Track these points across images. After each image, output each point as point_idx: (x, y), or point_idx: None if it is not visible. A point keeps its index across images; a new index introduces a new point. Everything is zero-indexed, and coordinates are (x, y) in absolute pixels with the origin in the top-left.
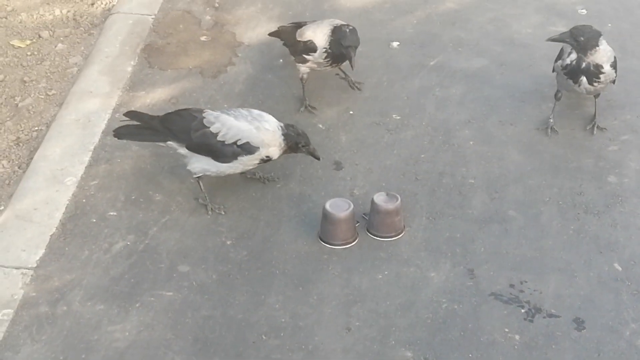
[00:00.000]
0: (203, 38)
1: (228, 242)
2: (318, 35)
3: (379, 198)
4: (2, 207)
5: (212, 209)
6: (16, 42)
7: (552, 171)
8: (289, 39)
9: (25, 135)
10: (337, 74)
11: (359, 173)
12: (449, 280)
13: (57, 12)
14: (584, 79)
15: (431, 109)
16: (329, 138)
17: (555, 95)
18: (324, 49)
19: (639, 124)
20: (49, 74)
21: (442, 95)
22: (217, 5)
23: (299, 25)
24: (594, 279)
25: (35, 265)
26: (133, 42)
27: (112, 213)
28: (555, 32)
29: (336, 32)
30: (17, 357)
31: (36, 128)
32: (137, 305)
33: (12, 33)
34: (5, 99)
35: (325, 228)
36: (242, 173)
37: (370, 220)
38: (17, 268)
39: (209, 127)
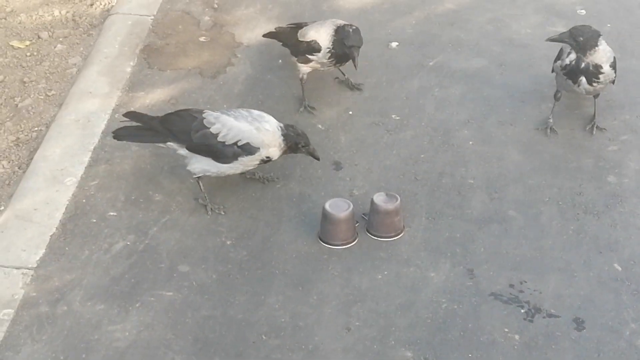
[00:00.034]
0: (202, 39)
1: (228, 242)
2: (322, 35)
3: (379, 198)
4: (2, 208)
5: (212, 209)
6: (15, 43)
7: (551, 171)
8: (290, 39)
9: (25, 135)
10: (337, 77)
11: (358, 173)
12: (449, 280)
13: (56, 12)
14: (583, 79)
15: (430, 109)
16: (328, 138)
17: (555, 95)
18: (328, 49)
19: (639, 124)
20: (48, 75)
21: (442, 95)
22: (216, 6)
23: (298, 26)
24: (593, 279)
25: (35, 265)
26: (132, 42)
27: (112, 213)
28: (554, 33)
29: (339, 32)
30: (18, 357)
31: (36, 128)
32: (137, 305)
33: (11, 34)
34: (5, 99)
35: (325, 228)
36: (241, 173)
37: (370, 221)
38: (17, 268)
39: (209, 128)
